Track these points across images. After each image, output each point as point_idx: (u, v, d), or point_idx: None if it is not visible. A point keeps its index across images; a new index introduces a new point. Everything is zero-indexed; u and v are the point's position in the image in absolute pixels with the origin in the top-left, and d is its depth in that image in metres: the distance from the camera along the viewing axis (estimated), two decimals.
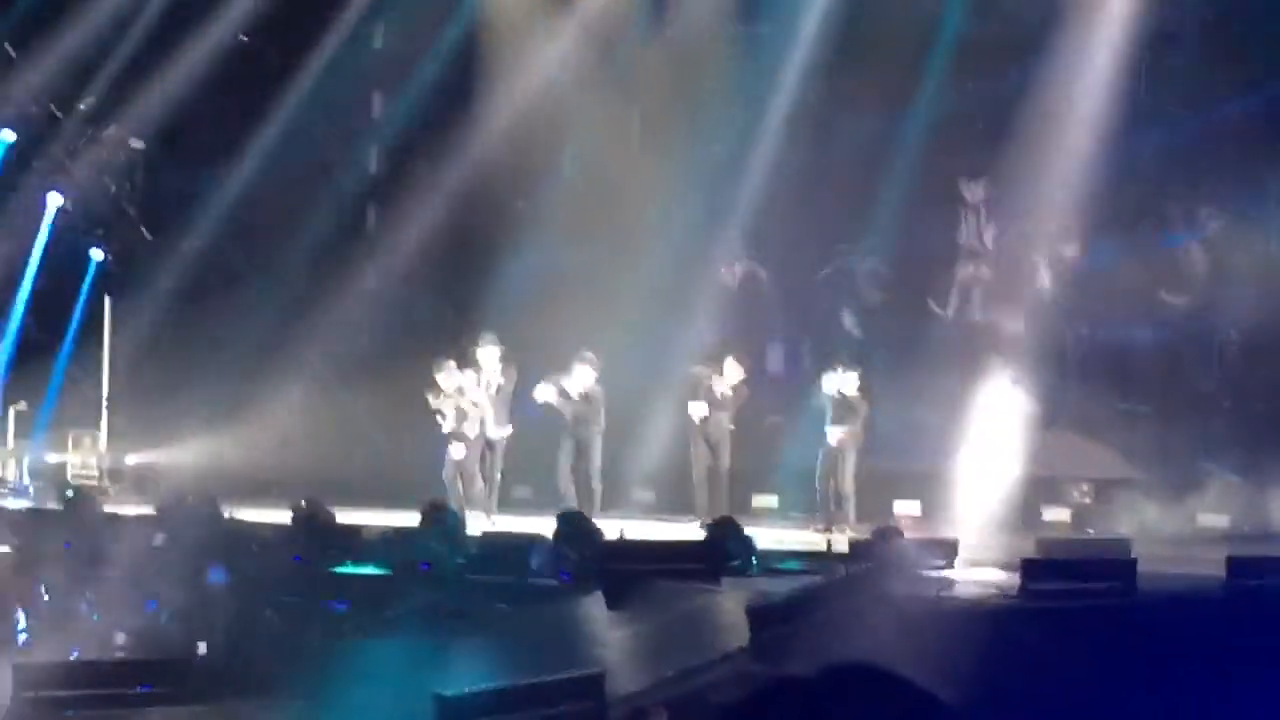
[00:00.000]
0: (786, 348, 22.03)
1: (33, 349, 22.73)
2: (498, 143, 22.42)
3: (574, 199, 22.43)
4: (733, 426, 19.13)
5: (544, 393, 18.78)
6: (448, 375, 18.66)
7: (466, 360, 18.92)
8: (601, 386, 19.04)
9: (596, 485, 18.79)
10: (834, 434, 18.46)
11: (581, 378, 18.89)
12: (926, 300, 21.17)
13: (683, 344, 20.95)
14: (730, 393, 19.05)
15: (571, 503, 17.60)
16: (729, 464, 19.09)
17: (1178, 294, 19.75)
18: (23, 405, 22.56)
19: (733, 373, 19.09)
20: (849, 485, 18.42)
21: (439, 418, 18.64)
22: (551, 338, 21.00)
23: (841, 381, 18.64)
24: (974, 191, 20.90)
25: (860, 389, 18.64)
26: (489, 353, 18.88)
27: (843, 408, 18.56)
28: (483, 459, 18.72)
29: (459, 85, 22.50)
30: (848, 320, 21.42)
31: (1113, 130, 19.42)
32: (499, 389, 18.78)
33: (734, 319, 21.60)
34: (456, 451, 18.55)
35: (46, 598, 13.26)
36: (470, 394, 18.64)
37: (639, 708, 9.05)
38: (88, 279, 22.97)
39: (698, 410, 18.95)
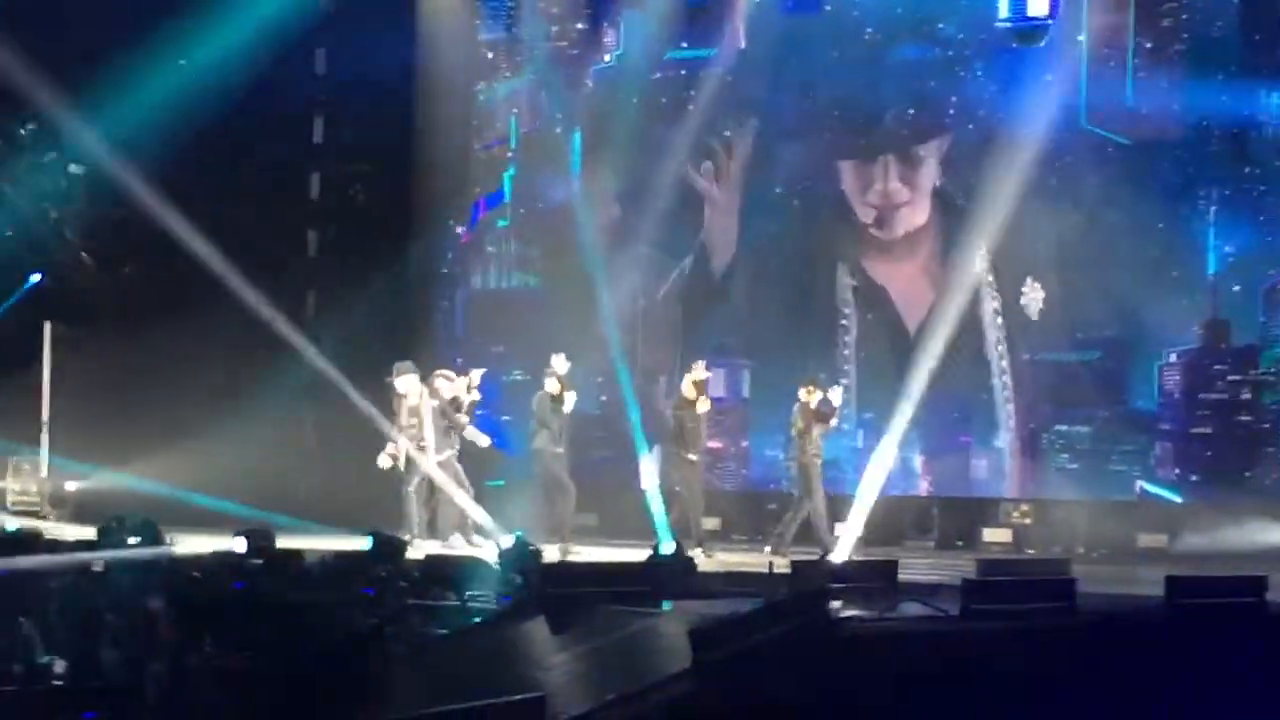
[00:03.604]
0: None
1: None
2: (441, 167, 22.50)
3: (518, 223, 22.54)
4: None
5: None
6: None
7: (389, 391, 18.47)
8: (569, 399, 18.36)
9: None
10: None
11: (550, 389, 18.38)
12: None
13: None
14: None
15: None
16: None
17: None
18: None
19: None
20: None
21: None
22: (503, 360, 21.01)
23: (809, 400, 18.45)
24: None
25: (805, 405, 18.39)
26: (406, 381, 18.30)
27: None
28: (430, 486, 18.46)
29: (402, 110, 22.54)
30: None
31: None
32: (431, 412, 18.29)
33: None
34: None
35: None
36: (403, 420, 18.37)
37: None
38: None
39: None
